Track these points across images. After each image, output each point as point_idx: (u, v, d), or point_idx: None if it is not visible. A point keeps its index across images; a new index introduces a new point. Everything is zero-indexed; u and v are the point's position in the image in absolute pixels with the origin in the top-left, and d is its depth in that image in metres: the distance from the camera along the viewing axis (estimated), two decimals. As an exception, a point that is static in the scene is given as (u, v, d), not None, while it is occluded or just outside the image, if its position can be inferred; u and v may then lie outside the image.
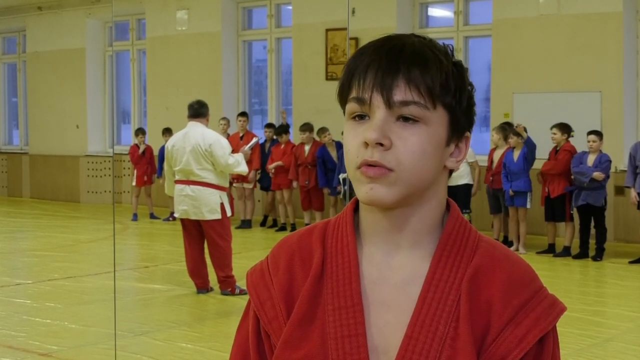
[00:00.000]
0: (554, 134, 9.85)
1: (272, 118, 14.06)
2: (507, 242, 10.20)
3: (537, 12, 11.15)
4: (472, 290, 1.23)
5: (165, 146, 8.08)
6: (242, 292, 7.61)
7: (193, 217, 7.52)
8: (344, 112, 1.26)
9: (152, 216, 13.54)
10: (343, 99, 1.26)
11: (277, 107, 14.23)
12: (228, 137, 11.36)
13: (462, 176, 10.45)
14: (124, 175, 15.11)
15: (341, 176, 11.13)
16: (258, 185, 12.66)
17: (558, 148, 9.87)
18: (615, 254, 9.84)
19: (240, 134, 12.32)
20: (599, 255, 9.54)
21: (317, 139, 11.85)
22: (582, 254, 9.66)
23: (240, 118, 12.56)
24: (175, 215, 7.85)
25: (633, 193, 9.45)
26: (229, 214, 7.62)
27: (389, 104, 1.20)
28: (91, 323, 6.68)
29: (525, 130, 9.98)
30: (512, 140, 10.00)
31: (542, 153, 10.02)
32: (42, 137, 16.89)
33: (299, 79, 13.33)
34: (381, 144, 1.19)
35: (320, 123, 11.76)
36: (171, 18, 14.64)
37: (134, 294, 7.82)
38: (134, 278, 8.56)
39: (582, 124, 9.99)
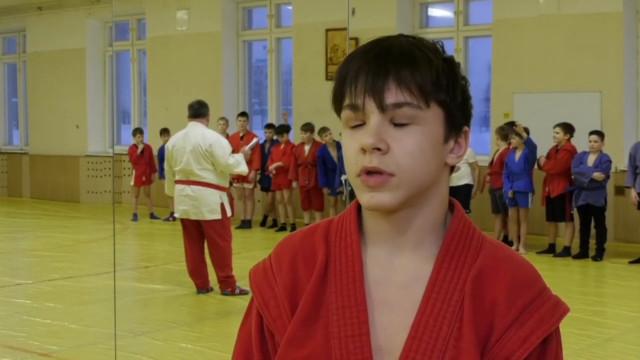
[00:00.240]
0: (557, 132, 9.84)
1: (272, 118, 14.06)
2: (507, 242, 10.20)
3: (537, 12, 11.15)
4: (475, 290, 1.23)
5: (166, 146, 8.08)
6: (242, 292, 7.61)
7: (193, 217, 7.52)
8: (340, 118, 1.26)
9: (152, 216, 13.54)
10: (337, 106, 1.26)
11: (277, 107, 14.23)
12: (227, 137, 11.35)
13: (462, 177, 10.47)
14: (124, 175, 15.10)
15: (343, 177, 11.13)
16: (258, 185, 12.66)
17: (559, 147, 9.87)
18: (616, 254, 9.84)
19: (241, 134, 12.32)
20: (599, 255, 9.54)
21: (318, 138, 11.85)
22: (582, 254, 9.66)
23: (240, 118, 12.56)
24: (176, 215, 7.85)
25: (633, 193, 9.45)
26: (229, 214, 7.62)
27: (382, 107, 1.19)
28: (91, 323, 6.68)
29: (527, 131, 9.97)
30: (514, 140, 10.00)
31: (542, 153, 10.02)
32: (42, 137, 16.89)
33: (299, 79, 13.33)
34: (378, 149, 1.19)
35: (320, 123, 11.75)
36: (171, 18, 14.64)
37: (134, 294, 7.82)
38: (134, 278, 8.56)
39: (582, 124, 9.99)
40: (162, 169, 12.91)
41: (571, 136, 9.83)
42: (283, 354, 1.26)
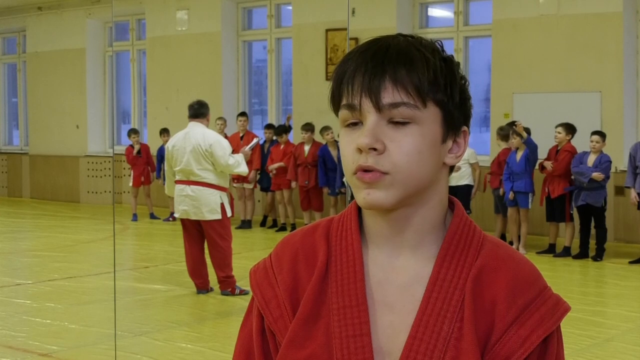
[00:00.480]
0: (559, 132, 9.84)
1: (272, 118, 14.06)
2: (507, 242, 10.20)
3: (537, 12, 11.15)
4: (476, 290, 1.23)
5: (166, 146, 8.08)
6: (242, 293, 7.61)
7: (193, 217, 7.52)
8: (338, 118, 1.26)
9: (152, 216, 13.54)
10: (335, 106, 1.26)
11: (277, 107, 14.23)
12: (225, 137, 11.36)
13: (463, 177, 10.49)
14: (124, 175, 15.10)
15: (344, 179, 11.12)
16: (258, 185, 12.65)
17: (559, 148, 9.87)
18: (616, 254, 9.84)
19: (241, 134, 12.32)
20: (599, 256, 9.54)
21: (319, 138, 11.84)
22: (582, 254, 9.66)
23: (240, 118, 12.56)
24: (176, 215, 7.85)
25: (633, 193, 9.45)
26: (229, 214, 7.62)
27: (378, 107, 1.19)
28: (91, 323, 6.68)
29: (528, 132, 9.97)
30: (515, 141, 10.01)
31: (542, 154, 10.02)
32: (42, 137, 16.89)
33: (299, 79, 13.33)
34: (375, 149, 1.19)
35: (321, 123, 11.76)
36: (171, 18, 14.64)
37: (134, 294, 7.81)
38: (134, 278, 8.56)
39: (582, 124, 9.99)
40: (160, 169, 12.93)
41: (572, 137, 9.83)
42: (284, 354, 1.26)
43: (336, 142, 11.62)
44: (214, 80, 14.17)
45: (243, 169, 7.74)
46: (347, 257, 1.28)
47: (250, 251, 10.14)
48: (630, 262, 9.42)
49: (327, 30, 12.91)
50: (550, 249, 9.96)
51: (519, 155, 10.00)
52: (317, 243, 1.31)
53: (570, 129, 9.84)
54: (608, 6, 10.63)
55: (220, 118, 12.68)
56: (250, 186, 12.49)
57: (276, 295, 1.29)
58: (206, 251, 7.71)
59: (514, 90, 11.38)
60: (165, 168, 8.03)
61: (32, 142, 17.31)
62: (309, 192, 11.85)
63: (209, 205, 7.46)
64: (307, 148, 11.85)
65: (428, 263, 1.26)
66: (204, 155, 7.48)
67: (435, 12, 12.89)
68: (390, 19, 12.25)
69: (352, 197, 1.27)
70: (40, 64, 16.74)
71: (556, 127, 9.91)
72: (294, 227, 12.00)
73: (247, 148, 8.06)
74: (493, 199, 10.72)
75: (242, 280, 7.74)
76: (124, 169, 15.01)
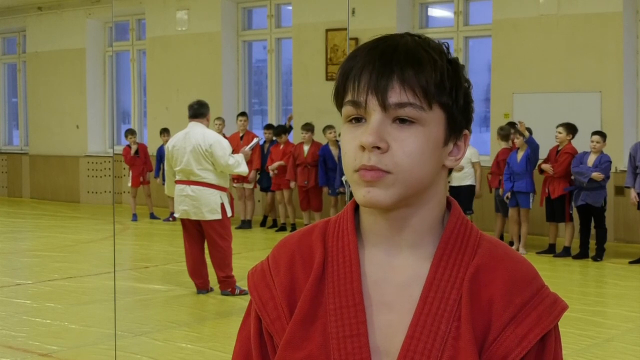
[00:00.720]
0: (559, 132, 9.84)
1: (272, 118, 14.06)
2: (506, 242, 10.21)
3: (537, 12, 11.15)
4: (473, 289, 1.23)
5: (166, 147, 8.09)
6: (242, 293, 7.61)
7: (193, 217, 7.52)
8: (341, 114, 1.26)
9: (152, 216, 13.54)
10: (339, 101, 1.26)
11: (277, 107, 14.23)
12: (225, 137, 11.35)
13: (466, 177, 10.50)
14: (124, 175, 15.09)
15: (343, 178, 11.13)
16: (258, 185, 12.65)
17: (560, 148, 9.86)
18: (615, 254, 9.84)
19: (240, 134, 12.32)
20: (599, 256, 9.54)
21: (319, 137, 11.84)
22: (582, 254, 9.65)
23: (240, 118, 12.56)
24: (176, 215, 7.85)
25: (633, 193, 9.45)
26: (229, 214, 7.62)
27: (384, 106, 1.19)
28: (91, 323, 6.68)
29: (530, 131, 9.98)
30: (518, 140, 10.00)
31: (542, 154, 10.02)
32: (42, 137, 16.89)
33: (299, 79, 13.33)
34: (378, 148, 1.19)
35: (320, 123, 11.76)
36: (171, 18, 14.64)
37: (134, 294, 7.81)
38: (134, 278, 8.56)
39: (582, 124, 9.99)
40: (159, 169, 12.94)
41: (573, 137, 9.82)
42: (281, 355, 1.26)
43: (338, 141, 11.62)
44: (214, 80, 14.17)
45: (243, 169, 7.74)
46: (343, 257, 1.28)
47: (250, 251, 10.14)
48: (630, 262, 9.41)
49: (327, 30, 12.91)
50: (550, 249, 9.95)
51: (520, 155, 10.00)
52: (314, 244, 1.31)
53: (571, 129, 9.83)
54: (608, 6, 10.63)
55: (218, 118, 12.67)
56: (250, 186, 12.49)
57: (273, 297, 1.29)
58: (206, 251, 7.71)
59: (514, 90, 11.38)
60: (166, 168, 8.03)
61: (32, 142, 17.31)
62: (308, 192, 11.85)
63: (209, 205, 7.47)
64: (306, 148, 11.84)
65: (425, 262, 1.26)
66: (204, 155, 7.48)
67: (435, 12, 12.89)
68: (390, 19, 12.25)
69: (352, 197, 1.27)
70: (40, 64, 16.74)
71: (557, 127, 9.91)
72: (294, 227, 12.00)
73: (247, 148, 8.07)
74: (493, 199, 10.72)
75: (242, 281, 7.74)
76: (124, 169, 15.01)
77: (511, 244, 10.12)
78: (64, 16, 16.30)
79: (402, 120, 1.20)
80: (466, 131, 1.28)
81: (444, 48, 1.25)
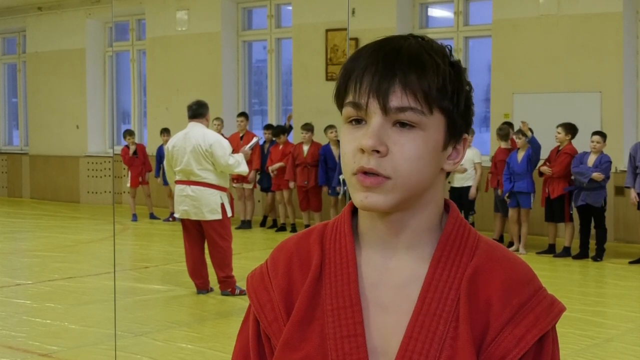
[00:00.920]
0: (558, 132, 9.84)
1: (272, 118, 14.06)
2: (502, 242, 10.21)
3: (537, 12, 11.15)
4: (471, 290, 1.23)
5: (166, 147, 8.09)
6: (242, 293, 7.61)
7: (193, 218, 7.52)
8: (341, 114, 1.26)
9: (152, 216, 13.54)
10: (340, 102, 1.25)
11: (277, 108, 14.23)
12: (224, 137, 11.35)
13: (468, 178, 10.51)
14: (124, 175, 15.10)
15: (341, 177, 11.13)
16: (258, 185, 12.65)
17: (560, 148, 9.86)
18: (615, 254, 9.84)
19: (240, 134, 12.32)
20: (599, 256, 9.54)
21: (319, 137, 11.84)
22: (582, 255, 9.65)
23: (239, 118, 12.56)
24: (176, 215, 7.85)
25: (633, 193, 9.45)
26: (229, 214, 7.62)
27: (385, 109, 1.19)
28: (91, 323, 6.68)
29: (531, 131, 9.98)
30: (520, 140, 10.00)
31: (543, 154, 10.02)
32: (42, 138, 16.90)
33: (299, 79, 13.33)
34: (377, 151, 1.19)
35: (320, 123, 11.76)
36: (171, 18, 14.65)
37: (134, 294, 7.82)
38: (134, 278, 8.56)
39: (582, 124, 9.99)
40: (159, 168, 12.94)
41: (573, 137, 9.82)
42: (279, 356, 1.26)
43: (339, 141, 11.60)
44: (214, 81, 14.18)
45: (243, 168, 7.75)
46: (340, 259, 1.28)
47: (250, 251, 10.14)
48: (630, 262, 9.42)
49: (327, 31, 12.92)
50: (550, 249, 9.95)
51: (521, 155, 10.00)
52: (312, 247, 1.31)
53: (570, 129, 9.83)
54: (608, 6, 10.64)
55: (217, 118, 12.65)
56: (250, 186, 12.49)
57: (271, 299, 1.30)
58: (206, 251, 7.71)
59: (514, 90, 11.38)
60: (166, 168, 8.03)
61: (32, 142, 17.31)
62: (308, 193, 11.85)
63: (209, 205, 7.47)
64: (306, 148, 11.84)
65: (423, 263, 1.26)
66: (204, 156, 7.48)
67: (435, 12, 12.89)
68: (390, 19, 12.25)
69: (349, 195, 1.27)
70: (40, 64, 16.74)
71: (557, 127, 9.91)
72: (294, 227, 12.00)
73: (247, 148, 8.07)
74: (493, 199, 10.73)
75: (242, 281, 7.74)
76: (124, 169, 15.02)
77: (511, 244, 10.12)
78: (64, 16, 16.30)
79: (403, 124, 1.20)
80: (466, 135, 1.28)
81: (447, 51, 1.24)
